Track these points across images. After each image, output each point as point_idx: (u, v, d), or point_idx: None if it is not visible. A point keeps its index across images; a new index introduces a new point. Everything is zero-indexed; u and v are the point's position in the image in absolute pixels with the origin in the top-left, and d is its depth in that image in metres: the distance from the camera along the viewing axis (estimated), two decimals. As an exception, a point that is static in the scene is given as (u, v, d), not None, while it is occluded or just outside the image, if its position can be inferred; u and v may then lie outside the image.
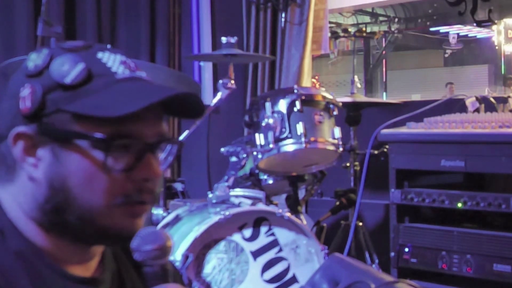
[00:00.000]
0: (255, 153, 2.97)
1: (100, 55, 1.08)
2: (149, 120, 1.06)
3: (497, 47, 11.76)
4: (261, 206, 2.77)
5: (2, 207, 1.08)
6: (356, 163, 3.69)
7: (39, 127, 1.04)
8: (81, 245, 1.09)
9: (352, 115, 3.72)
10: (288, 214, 2.74)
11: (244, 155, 2.90)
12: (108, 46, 1.14)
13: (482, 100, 3.19)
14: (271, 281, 2.74)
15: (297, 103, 2.99)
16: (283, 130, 2.98)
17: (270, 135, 2.96)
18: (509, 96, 3.22)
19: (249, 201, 2.79)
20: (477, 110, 3.16)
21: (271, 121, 2.95)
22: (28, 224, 1.07)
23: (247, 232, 2.71)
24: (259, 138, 2.98)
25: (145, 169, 1.06)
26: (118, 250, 1.18)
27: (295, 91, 3.02)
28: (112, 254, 1.17)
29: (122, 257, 1.18)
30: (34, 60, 1.07)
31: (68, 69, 1.04)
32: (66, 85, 1.03)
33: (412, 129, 2.97)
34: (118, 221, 1.06)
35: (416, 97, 10.24)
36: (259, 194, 2.97)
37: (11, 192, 1.08)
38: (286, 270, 2.77)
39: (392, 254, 2.98)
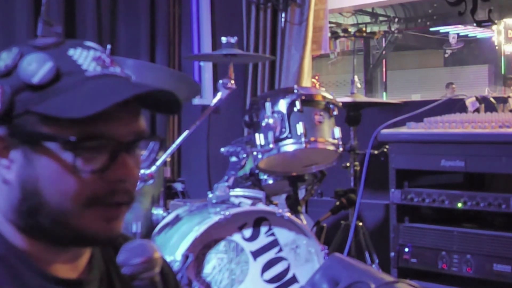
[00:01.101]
0: (255, 153, 2.97)
1: (71, 52, 1.04)
2: (123, 119, 1.03)
3: (497, 47, 11.76)
4: (261, 206, 2.77)
5: None
6: (356, 163, 3.69)
7: (10, 129, 1.01)
8: (60, 247, 1.07)
9: (352, 115, 3.72)
10: (288, 214, 2.74)
11: (244, 155, 2.90)
12: (108, 47, 1.12)
13: (482, 100, 3.19)
14: (271, 281, 2.74)
15: (297, 103, 2.99)
16: (283, 130, 2.98)
17: (270, 135, 2.96)
18: (509, 96, 3.22)
19: (249, 201, 2.79)
20: (477, 110, 3.16)
21: (271, 121, 2.95)
22: (7, 226, 1.05)
23: (247, 232, 2.71)
24: (259, 138, 2.98)
25: (120, 170, 1.03)
26: (108, 249, 1.16)
27: (295, 91, 3.02)
28: (101, 254, 1.15)
29: (112, 257, 1.15)
30: (4, 59, 1.03)
31: (36, 68, 1.00)
32: (34, 85, 1.00)
33: (412, 129, 2.97)
34: (92, 224, 1.03)
35: (416, 97, 10.24)
36: (259, 194, 2.97)
37: None
38: (286, 270, 2.77)
39: (392, 254, 2.98)
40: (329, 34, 5.00)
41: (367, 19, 13.53)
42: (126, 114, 1.03)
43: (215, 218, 2.61)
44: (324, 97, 3.08)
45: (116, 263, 1.11)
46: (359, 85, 3.91)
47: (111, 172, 1.02)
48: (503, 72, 11.75)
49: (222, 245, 2.66)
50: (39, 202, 1.02)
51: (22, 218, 1.04)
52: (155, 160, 2.73)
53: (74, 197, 1.01)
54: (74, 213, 1.02)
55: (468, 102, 3.20)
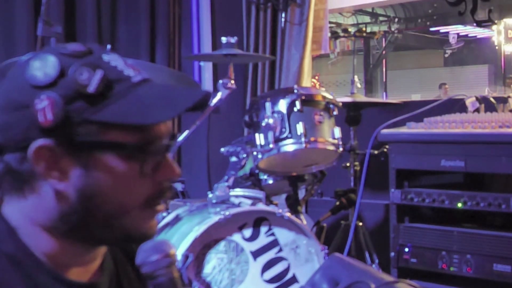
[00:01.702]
0: (255, 153, 2.97)
1: (106, 57, 1.04)
2: (164, 122, 1.07)
3: (497, 47, 11.77)
4: (261, 206, 2.77)
5: (2, 214, 1.05)
6: (356, 163, 3.69)
7: (62, 139, 1.00)
8: (92, 247, 1.09)
9: (352, 115, 3.72)
10: (288, 214, 2.74)
11: (244, 155, 2.90)
12: (109, 46, 1.13)
13: (482, 100, 3.19)
14: (271, 281, 2.74)
15: (297, 103, 2.99)
16: (283, 130, 2.98)
17: (270, 135, 2.96)
18: (509, 96, 3.22)
19: (249, 201, 2.79)
20: (477, 110, 3.16)
21: (271, 121, 2.95)
22: (31, 229, 1.04)
23: (247, 232, 2.71)
24: (259, 138, 2.98)
25: (167, 170, 1.06)
26: (118, 252, 1.18)
27: (295, 91, 3.02)
28: (112, 257, 1.16)
29: (122, 260, 1.17)
30: (41, 68, 1.01)
31: (88, 77, 0.99)
32: (89, 94, 0.99)
33: (412, 129, 2.97)
34: (144, 224, 1.07)
35: (416, 97, 10.25)
36: (259, 194, 2.97)
37: (19, 205, 1.04)
38: (286, 270, 2.77)
39: (392, 254, 2.98)
40: (329, 34, 5.01)
41: (367, 19, 13.54)
42: None
43: (215, 218, 2.61)
44: (324, 97, 3.08)
45: (126, 266, 1.15)
46: (359, 85, 3.91)
47: (160, 173, 1.06)
48: (503, 72, 11.75)
49: (222, 245, 2.66)
50: (97, 208, 1.03)
51: (68, 225, 1.04)
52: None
53: (135, 201, 1.04)
54: (131, 215, 1.05)
55: (468, 102, 3.20)
